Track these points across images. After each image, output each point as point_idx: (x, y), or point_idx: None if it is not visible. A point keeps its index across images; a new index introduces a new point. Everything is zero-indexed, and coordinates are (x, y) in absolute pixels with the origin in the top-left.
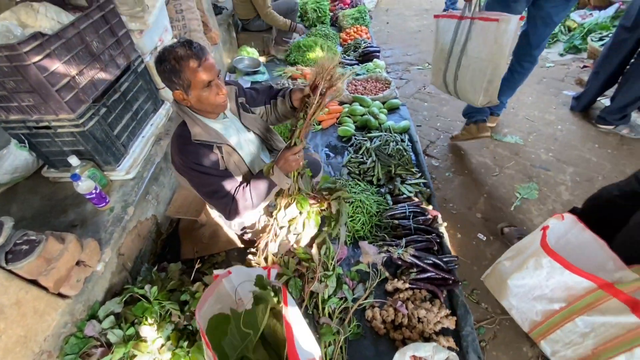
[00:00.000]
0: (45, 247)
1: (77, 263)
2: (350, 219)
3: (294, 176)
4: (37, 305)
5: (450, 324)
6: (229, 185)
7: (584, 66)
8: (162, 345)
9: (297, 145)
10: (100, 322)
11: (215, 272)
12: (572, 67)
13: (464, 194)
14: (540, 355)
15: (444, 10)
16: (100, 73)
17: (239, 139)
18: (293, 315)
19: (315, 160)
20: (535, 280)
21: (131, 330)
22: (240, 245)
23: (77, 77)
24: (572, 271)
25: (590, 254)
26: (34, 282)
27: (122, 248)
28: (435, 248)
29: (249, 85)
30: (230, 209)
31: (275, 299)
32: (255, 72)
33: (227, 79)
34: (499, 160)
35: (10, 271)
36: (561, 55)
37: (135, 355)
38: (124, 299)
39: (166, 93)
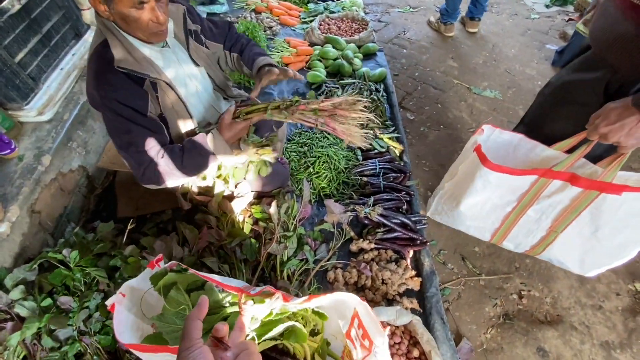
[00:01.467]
0: None
1: None
2: (315, 175)
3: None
4: None
5: (415, 285)
6: (153, 142)
7: (569, 19)
8: (89, 317)
9: (240, 120)
10: (7, 292)
11: (109, 301)
12: (557, 20)
13: (438, 150)
14: (502, 315)
15: (443, 22)
16: None
17: (178, 73)
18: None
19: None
20: (485, 196)
21: (47, 302)
22: (187, 207)
23: None
24: (516, 174)
25: (517, 150)
26: None
27: (36, 205)
28: (405, 207)
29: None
30: (145, 170)
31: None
32: (212, 2)
33: None
34: (476, 115)
35: None
36: (547, 6)
37: (54, 330)
38: (36, 266)
39: (92, 15)
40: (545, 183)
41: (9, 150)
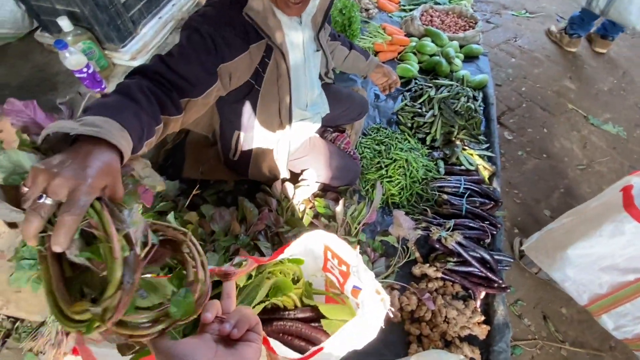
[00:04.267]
0: None
1: None
2: (387, 180)
3: None
4: None
5: (481, 333)
6: (169, 74)
7: None
8: None
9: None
10: None
11: None
12: None
13: (535, 181)
14: None
15: (569, 33)
16: None
17: (298, 50)
18: None
19: (360, 98)
20: (608, 249)
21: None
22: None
23: None
24: None
25: None
26: None
27: None
28: (488, 241)
29: None
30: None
31: None
32: None
33: None
34: (590, 150)
35: None
36: None
37: None
38: None
39: None
40: None
41: (99, 89)
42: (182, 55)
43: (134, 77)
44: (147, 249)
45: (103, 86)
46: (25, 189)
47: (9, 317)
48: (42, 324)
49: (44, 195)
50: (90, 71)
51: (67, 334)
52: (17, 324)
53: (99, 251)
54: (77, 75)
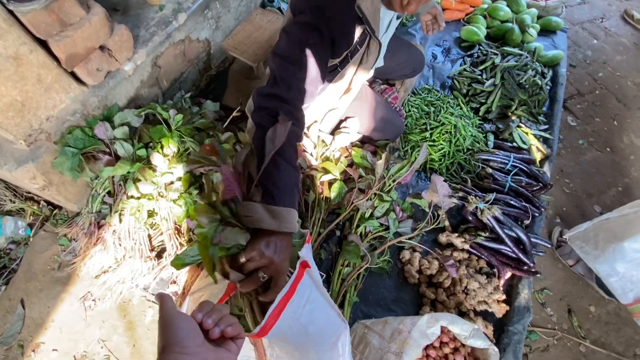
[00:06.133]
0: (59, 3)
1: (102, 48)
2: (430, 143)
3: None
4: (42, 75)
5: (498, 311)
6: (305, 83)
7: None
8: (171, 183)
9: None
10: (113, 127)
11: None
12: None
13: (592, 175)
14: None
15: None
16: None
17: (383, 35)
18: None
19: (417, 54)
20: None
21: (142, 152)
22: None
23: None
24: None
25: None
26: (44, 46)
27: (160, 59)
28: (527, 222)
29: None
30: (263, 94)
31: None
32: None
33: None
34: None
35: (11, 13)
36: None
37: (139, 180)
38: (144, 113)
39: None
40: None
41: None
42: (307, 65)
43: (272, 114)
44: None
45: None
46: (242, 259)
47: (48, 203)
48: (78, 214)
49: (262, 273)
50: None
51: (100, 227)
52: (55, 211)
53: None
54: None
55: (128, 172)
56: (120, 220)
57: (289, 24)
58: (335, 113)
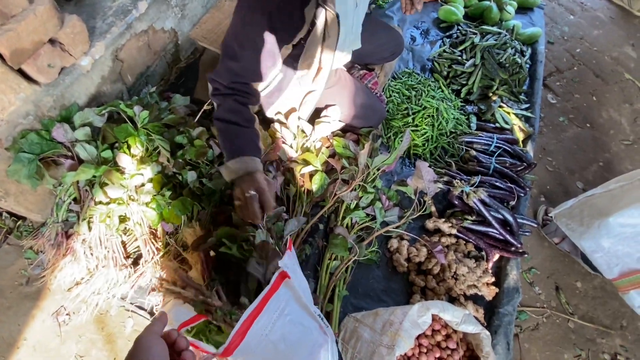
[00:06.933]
0: None
1: (53, 42)
2: (413, 129)
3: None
4: None
5: (488, 294)
6: (251, 74)
7: None
8: (142, 185)
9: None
10: (73, 129)
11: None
12: None
13: (574, 152)
14: None
15: None
16: None
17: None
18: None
19: (396, 35)
20: None
21: (107, 154)
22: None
23: None
24: None
25: None
26: None
27: (122, 52)
28: (512, 203)
29: None
30: (214, 88)
31: None
32: None
33: None
34: None
35: None
36: None
37: (106, 184)
38: (106, 112)
39: None
40: None
41: None
42: (249, 60)
43: (222, 97)
44: None
45: None
46: (237, 202)
47: (11, 215)
48: (44, 224)
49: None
50: None
51: (68, 236)
52: (19, 222)
53: None
54: None
55: (94, 177)
56: (90, 228)
57: (237, 4)
58: (313, 96)
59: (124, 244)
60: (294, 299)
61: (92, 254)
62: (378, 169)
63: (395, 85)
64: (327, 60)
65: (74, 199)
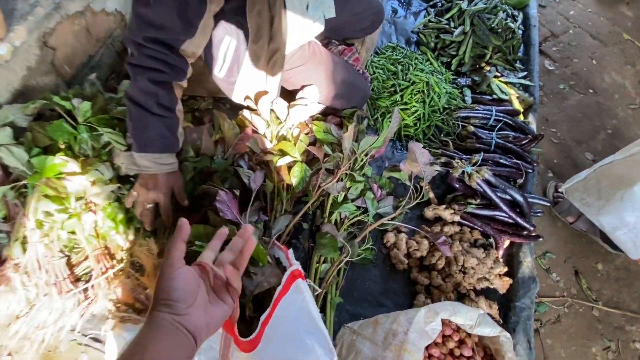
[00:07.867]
0: None
1: None
2: (402, 107)
3: None
4: None
5: (501, 286)
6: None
7: None
8: (91, 192)
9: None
10: None
11: None
12: None
13: (578, 120)
14: None
15: None
16: None
17: None
18: None
19: (375, 2)
20: None
21: (40, 159)
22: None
23: None
24: None
25: None
26: None
27: (52, 38)
28: (520, 181)
29: None
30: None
31: None
32: None
33: None
34: None
35: None
36: None
37: (44, 194)
38: (35, 107)
39: None
40: None
41: None
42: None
43: (136, 69)
44: None
45: None
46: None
47: None
48: None
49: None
50: None
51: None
52: None
53: None
54: None
55: (25, 188)
56: (24, 250)
57: None
58: (278, 58)
59: (71, 265)
60: (306, 309)
61: (30, 281)
62: (366, 154)
63: (379, 61)
64: (279, 23)
65: (4, 218)
